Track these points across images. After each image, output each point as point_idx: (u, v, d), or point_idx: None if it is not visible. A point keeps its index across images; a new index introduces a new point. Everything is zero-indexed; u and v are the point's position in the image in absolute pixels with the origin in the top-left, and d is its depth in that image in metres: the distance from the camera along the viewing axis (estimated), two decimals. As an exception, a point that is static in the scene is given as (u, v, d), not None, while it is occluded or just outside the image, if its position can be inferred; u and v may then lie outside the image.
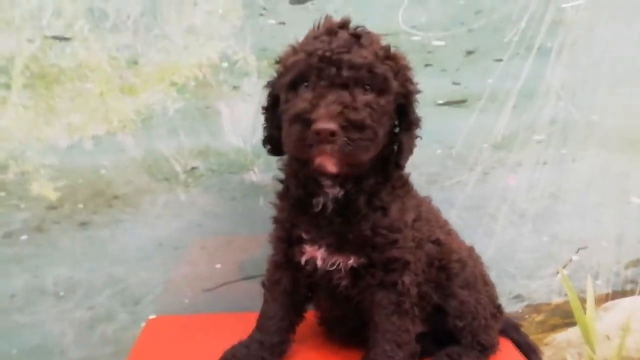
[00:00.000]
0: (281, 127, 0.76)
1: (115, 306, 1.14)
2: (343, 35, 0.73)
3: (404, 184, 0.84)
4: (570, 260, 1.24)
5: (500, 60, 1.11)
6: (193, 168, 1.10)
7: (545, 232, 1.21)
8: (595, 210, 1.21)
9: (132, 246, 1.12)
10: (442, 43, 1.08)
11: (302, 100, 0.71)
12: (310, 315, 0.98)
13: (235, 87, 1.07)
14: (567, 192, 1.20)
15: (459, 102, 1.11)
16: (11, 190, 1.05)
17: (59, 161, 1.06)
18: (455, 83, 1.11)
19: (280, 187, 0.89)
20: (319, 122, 0.67)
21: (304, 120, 0.69)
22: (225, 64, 1.05)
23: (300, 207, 0.83)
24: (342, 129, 0.68)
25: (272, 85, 0.83)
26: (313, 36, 0.76)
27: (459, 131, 1.13)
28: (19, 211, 1.06)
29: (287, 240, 0.86)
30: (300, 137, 0.70)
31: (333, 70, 0.71)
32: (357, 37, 0.74)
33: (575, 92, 1.14)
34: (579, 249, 1.23)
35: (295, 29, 1.01)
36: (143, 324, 1.13)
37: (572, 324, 1.27)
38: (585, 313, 1.26)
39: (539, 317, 1.27)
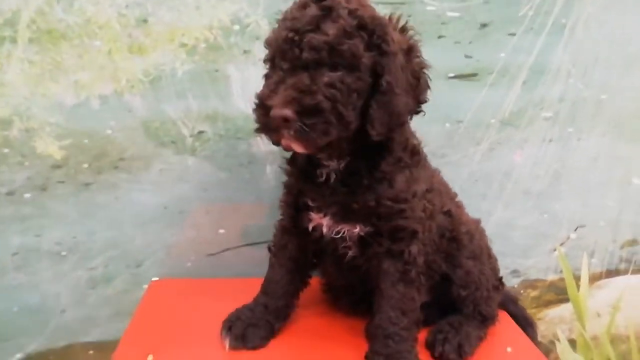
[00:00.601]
0: None
1: (117, 268, 1.14)
2: (312, 10, 0.71)
3: (416, 153, 0.84)
4: (568, 238, 1.26)
5: (514, 34, 1.10)
6: (200, 132, 1.09)
7: (546, 210, 1.23)
8: (596, 190, 1.23)
9: (137, 208, 1.11)
10: (456, 14, 1.07)
11: (265, 85, 0.74)
12: (315, 282, 1.00)
13: (246, 51, 1.05)
14: (570, 171, 1.21)
15: (470, 76, 1.11)
16: (15, 147, 1.04)
17: (64, 119, 1.04)
18: (467, 56, 1.10)
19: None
20: (274, 109, 0.68)
21: (265, 107, 0.70)
22: (236, 27, 1.04)
23: (306, 175, 0.83)
24: (297, 114, 0.68)
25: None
26: (292, 8, 0.74)
27: (468, 106, 1.13)
28: (22, 169, 1.05)
29: (294, 206, 0.87)
30: (262, 121, 0.72)
31: (296, 51, 0.70)
32: (329, 9, 0.71)
33: (587, 70, 1.14)
34: (577, 228, 1.25)
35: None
36: (145, 287, 1.14)
37: (566, 300, 1.30)
38: (578, 291, 1.30)
39: (534, 293, 1.30)
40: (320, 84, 0.69)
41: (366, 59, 0.72)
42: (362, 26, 0.72)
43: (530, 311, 1.30)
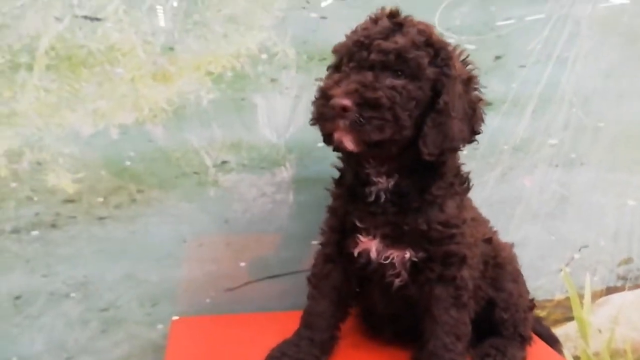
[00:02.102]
0: None
1: (130, 307, 1.07)
2: (384, 22, 0.76)
3: (464, 182, 0.86)
4: (573, 258, 1.32)
5: (524, 66, 1.16)
6: (224, 162, 1.06)
7: (554, 232, 1.28)
8: (597, 212, 1.30)
9: (154, 243, 1.06)
10: (473, 47, 1.12)
11: (330, 79, 0.75)
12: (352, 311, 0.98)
13: (273, 80, 1.04)
14: (574, 194, 1.27)
15: (486, 105, 1.15)
16: (24, 180, 0.96)
17: (79, 150, 0.98)
18: (483, 86, 1.15)
19: (337, 175, 0.88)
20: (336, 97, 0.71)
21: (326, 96, 0.72)
22: (264, 56, 1.03)
23: (354, 195, 0.83)
24: (356, 106, 0.70)
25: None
26: (362, 25, 0.79)
27: (484, 133, 1.17)
28: (31, 204, 0.98)
29: (340, 230, 0.86)
30: (321, 111, 0.74)
31: (364, 54, 0.74)
32: (400, 24, 0.76)
33: (586, 100, 1.22)
34: (581, 248, 1.32)
35: (337, 23, 1.02)
36: (160, 326, 1.08)
37: (571, 318, 1.35)
38: (582, 308, 1.35)
39: (542, 313, 1.33)
40: (383, 83, 0.72)
41: (429, 72, 0.75)
42: (429, 44, 0.76)
43: (539, 331, 1.34)
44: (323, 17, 1.04)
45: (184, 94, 1.01)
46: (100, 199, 1.01)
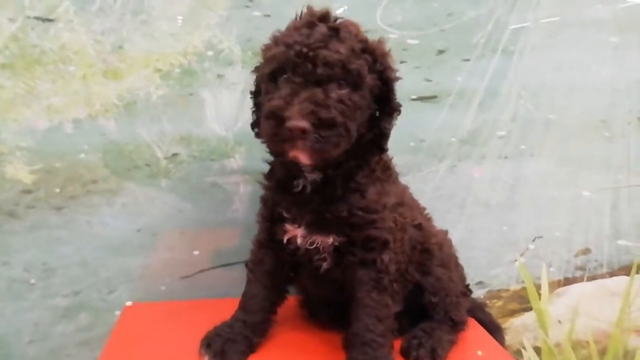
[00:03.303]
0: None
1: (89, 294, 1.12)
2: (321, 28, 0.75)
3: (387, 169, 0.89)
4: (527, 248, 1.34)
5: (468, 60, 1.19)
6: (174, 154, 1.11)
7: (505, 222, 1.31)
8: (550, 202, 1.32)
9: (110, 232, 1.11)
10: (416, 42, 1.16)
11: (278, 97, 0.74)
12: (292, 300, 1.02)
13: (219, 76, 1.09)
14: (525, 185, 1.30)
15: (430, 98, 1.19)
16: (-17, 172, 1.03)
17: (36, 144, 1.04)
18: (427, 80, 1.18)
19: (266, 169, 0.92)
20: (292, 120, 0.71)
21: (278, 117, 0.72)
22: (210, 53, 1.08)
23: (282, 187, 0.86)
24: (313, 126, 0.71)
25: (257, 71, 0.85)
26: (293, 27, 0.78)
27: (430, 125, 1.21)
28: (-9, 194, 1.04)
29: (270, 219, 0.89)
30: (274, 132, 0.73)
31: (309, 66, 0.73)
32: (336, 30, 0.76)
33: (535, 93, 1.25)
34: (535, 238, 1.34)
35: (280, 21, 1.06)
36: (117, 312, 1.13)
37: (529, 309, 1.37)
38: (540, 299, 1.37)
39: (499, 303, 1.36)
40: (333, 99, 0.74)
41: (369, 79, 0.78)
42: (366, 50, 0.78)
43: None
44: (266, 15, 1.09)
45: (134, 90, 1.06)
46: (57, 190, 1.07)
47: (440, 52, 1.18)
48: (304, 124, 0.70)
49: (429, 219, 1.00)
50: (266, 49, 0.82)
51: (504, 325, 1.37)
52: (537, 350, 1.40)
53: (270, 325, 0.94)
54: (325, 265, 0.87)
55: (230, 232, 1.17)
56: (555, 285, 1.39)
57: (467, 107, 1.22)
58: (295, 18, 0.81)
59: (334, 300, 0.94)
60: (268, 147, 0.79)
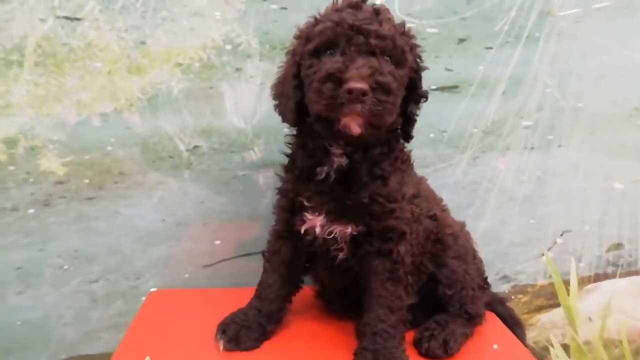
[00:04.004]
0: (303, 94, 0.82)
1: (117, 280, 1.18)
2: (367, 8, 0.79)
3: (406, 160, 0.89)
4: (555, 242, 1.30)
5: (491, 48, 1.16)
6: (196, 147, 1.14)
7: (532, 215, 1.27)
8: (579, 195, 1.27)
9: (136, 221, 1.16)
10: (435, 30, 1.14)
11: (333, 62, 0.75)
12: (308, 290, 1.03)
13: (237, 69, 1.11)
14: (553, 177, 1.25)
15: (451, 88, 1.17)
16: (20, 164, 1.09)
17: (67, 137, 1.10)
18: (447, 69, 1.16)
19: (285, 160, 0.93)
20: (352, 81, 0.71)
21: (337, 79, 0.73)
22: (228, 47, 1.10)
23: (305, 176, 0.87)
24: (372, 90, 0.72)
25: (294, 53, 0.85)
26: (335, 9, 0.80)
27: (451, 116, 1.18)
28: (27, 185, 1.10)
29: (289, 210, 0.90)
30: (332, 95, 0.73)
31: (361, 38, 0.75)
32: (377, 12, 0.80)
33: (562, 80, 1.20)
34: (563, 232, 1.29)
35: (296, 13, 1.08)
36: (144, 298, 1.18)
37: (556, 305, 1.33)
38: (568, 295, 1.32)
39: (524, 298, 1.32)
40: (385, 69, 0.76)
41: (410, 60, 0.81)
42: (405, 34, 0.83)
43: (522, 316, 1.32)
44: (283, 8, 1.10)
45: (156, 84, 1.10)
46: (87, 181, 1.12)
47: (461, 40, 1.15)
48: (364, 85, 0.71)
49: (444, 210, 0.99)
50: (308, 27, 0.83)
51: (530, 321, 1.34)
52: (566, 347, 1.35)
53: (284, 314, 0.96)
54: (341, 255, 0.88)
55: (251, 223, 1.19)
56: (585, 281, 1.34)
57: (490, 96, 1.19)
58: (334, 2, 0.83)
59: (348, 290, 0.94)
60: (322, 112, 0.76)
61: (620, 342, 1.37)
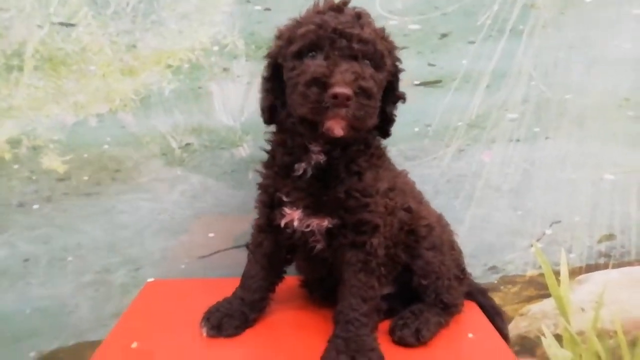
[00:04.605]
0: (281, 96, 0.85)
1: (118, 271, 1.24)
2: (349, 12, 0.81)
3: (381, 155, 0.92)
4: (544, 234, 1.30)
5: (473, 42, 1.17)
6: (187, 144, 1.20)
7: (519, 207, 1.28)
8: (568, 187, 1.28)
9: (133, 215, 1.22)
10: (417, 27, 1.16)
11: (318, 65, 0.77)
12: (293, 279, 1.08)
13: (225, 69, 1.16)
14: (540, 169, 1.26)
15: (434, 83, 1.19)
16: (24, 163, 1.16)
17: (66, 137, 1.16)
18: (430, 64, 1.18)
19: (266, 157, 0.97)
20: (337, 86, 0.74)
21: (322, 84, 0.75)
22: (215, 48, 1.15)
23: (284, 172, 0.91)
24: (354, 95, 0.75)
25: (273, 56, 0.87)
26: (317, 11, 0.82)
27: (435, 110, 1.20)
28: (31, 182, 1.17)
29: (269, 205, 0.94)
30: (317, 99, 0.75)
31: (344, 42, 0.78)
32: (359, 16, 0.82)
33: (548, 72, 1.20)
34: (552, 223, 1.30)
35: (280, 14, 1.11)
36: (143, 288, 1.24)
37: (547, 295, 1.34)
38: (559, 285, 1.33)
39: (514, 289, 1.34)
40: (367, 73, 0.79)
41: (389, 64, 0.84)
42: (384, 38, 0.85)
43: (512, 307, 1.35)
44: (267, 9, 1.13)
45: (148, 85, 1.15)
46: (86, 178, 1.19)
47: (444, 35, 1.17)
48: (349, 90, 0.74)
49: (421, 202, 1.01)
50: (289, 29, 0.84)
51: (520, 311, 1.35)
52: (558, 338, 1.36)
53: (267, 303, 1.01)
54: (318, 246, 0.92)
55: (242, 216, 1.24)
56: (576, 272, 1.34)
57: (474, 90, 1.20)
58: (315, 4, 0.84)
59: (327, 279, 0.98)
60: (306, 115, 0.78)
61: (615, 332, 1.38)
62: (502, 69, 1.19)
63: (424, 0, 1.15)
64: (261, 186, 0.97)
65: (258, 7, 1.13)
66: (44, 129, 1.15)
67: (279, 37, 0.88)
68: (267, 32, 1.14)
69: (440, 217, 1.04)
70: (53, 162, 1.17)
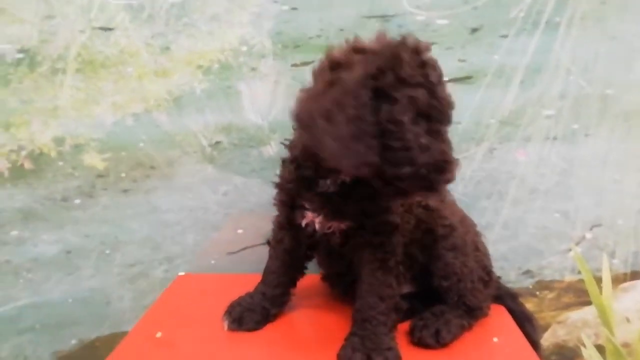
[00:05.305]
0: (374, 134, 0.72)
1: (152, 264, 1.30)
2: (437, 71, 0.76)
3: None
4: (584, 237, 1.23)
5: (506, 36, 1.13)
6: (217, 142, 1.23)
7: (557, 209, 1.22)
8: (610, 188, 1.20)
9: (166, 212, 1.27)
10: (446, 22, 1.13)
11: (436, 145, 0.74)
12: (314, 276, 1.08)
13: (253, 69, 1.18)
14: (580, 168, 1.20)
15: (465, 79, 1.15)
16: (67, 160, 1.24)
17: (105, 136, 1.23)
18: (460, 60, 1.15)
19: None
20: (452, 174, 0.74)
21: (441, 169, 0.74)
22: (244, 48, 1.17)
23: (307, 185, 0.87)
24: None
25: (376, 79, 0.72)
26: (413, 64, 0.74)
27: (466, 107, 1.17)
28: (73, 178, 1.25)
29: (289, 205, 0.94)
30: (427, 178, 0.73)
31: (448, 115, 0.77)
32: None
33: (587, 67, 1.14)
34: (592, 227, 1.23)
35: (306, 13, 1.13)
36: (174, 281, 1.29)
37: (587, 302, 1.27)
38: (601, 293, 1.25)
39: (551, 295, 1.28)
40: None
41: None
42: None
43: (549, 313, 1.28)
44: (294, 9, 1.15)
45: (181, 86, 1.20)
46: (123, 174, 1.25)
47: (474, 30, 1.13)
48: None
49: (443, 201, 0.99)
50: (391, 86, 0.72)
51: (558, 319, 1.29)
52: (600, 348, 1.28)
53: (288, 298, 1.01)
54: (338, 245, 0.91)
55: (270, 213, 1.24)
56: (620, 279, 1.26)
57: (507, 86, 1.16)
58: (402, 48, 0.74)
59: (347, 274, 0.97)
60: (411, 190, 0.76)
61: (664, 345, 1.28)
62: (537, 63, 1.14)
63: (452, -5, 1.12)
64: (281, 186, 0.95)
65: (285, 7, 1.15)
66: (85, 128, 1.22)
67: (379, 70, 0.73)
68: (294, 31, 1.16)
69: (464, 217, 1.01)
70: (93, 159, 1.24)
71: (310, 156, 0.83)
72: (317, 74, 0.78)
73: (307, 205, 0.90)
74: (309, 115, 0.73)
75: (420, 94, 0.73)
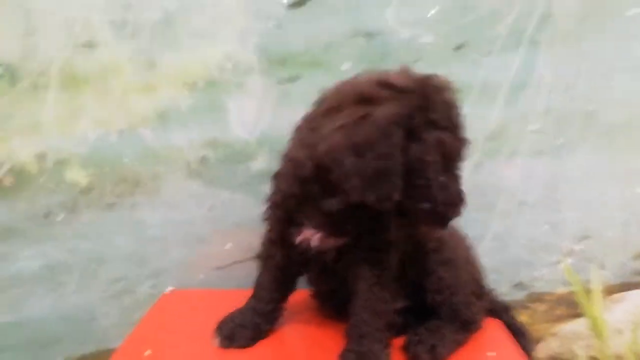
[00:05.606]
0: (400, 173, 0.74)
1: (139, 280, 1.26)
2: (459, 111, 0.80)
3: None
4: (572, 250, 1.24)
5: (490, 53, 1.14)
6: (204, 157, 1.21)
7: (545, 222, 1.22)
8: (598, 200, 1.21)
9: (153, 227, 1.24)
10: (430, 40, 1.14)
11: (453, 181, 0.80)
12: (304, 291, 1.06)
13: (239, 84, 1.17)
14: (566, 182, 1.20)
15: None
16: (50, 176, 1.20)
17: (88, 151, 1.20)
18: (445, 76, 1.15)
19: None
20: (461, 212, 0.80)
21: (456, 205, 0.80)
22: (229, 64, 1.17)
23: (310, 201, 0.85)
24: None
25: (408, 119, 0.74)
26: (441, 106, 0.77)
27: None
28: (55, 194, 1.21)
29: (285, 221, 0.90)
30: (442, 221, 0.81)
31: (464, 154, 0.81)
32: None
33: (569, 84, 1.16)
34: (581, 239, 1.23)
35: (292, 31, 1.13)
36: (161, 298, 1.25)
37: (579, 315, 1.27)
38: (592, 305, 1.26)
39: (542, 307, 1.27)
40: None
41: None
42: None
43: (542, 326, 1.28)
44: (279, 25, 1.15)
45: (166, 102, 1.18)
46: (107, 190, 1.22)
47: (458, 48, 1.14)
48: None
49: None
50: (421, 128, 0.74)
51: (551, 331, 1.29)
52: (592, 360, 1.28)
53: (280, 314, 0.99)
54: (332, 261, 0.90)
55: (258, 227, 1.23)
56: (610, 290, 1.26)
57: (492, 102, 1.17)
58: (432, 89, 0.77)
59: (339, 291, 0.96)
60: (424, 221, 0.83)
61: (656, 356, 1.28)
62: (521, 80, 1.15)
63: (436, 12, 1.13)
64: (275, 203, 0.93)
65: (270, 24, 1.15)
66: (68, 143, 1.20)
67: (418, 108, 0.75)
68: (279, 47, 1.16)
69: (454, 232, 1.00)
70: (76, 175, 1.21)
71: (321, 176, 0.80)
72: (338, 104, 0.77)
73: (307, 222, 0.87)
74: (338, 148, 0.73)
75: (447, 136, 0.76)
